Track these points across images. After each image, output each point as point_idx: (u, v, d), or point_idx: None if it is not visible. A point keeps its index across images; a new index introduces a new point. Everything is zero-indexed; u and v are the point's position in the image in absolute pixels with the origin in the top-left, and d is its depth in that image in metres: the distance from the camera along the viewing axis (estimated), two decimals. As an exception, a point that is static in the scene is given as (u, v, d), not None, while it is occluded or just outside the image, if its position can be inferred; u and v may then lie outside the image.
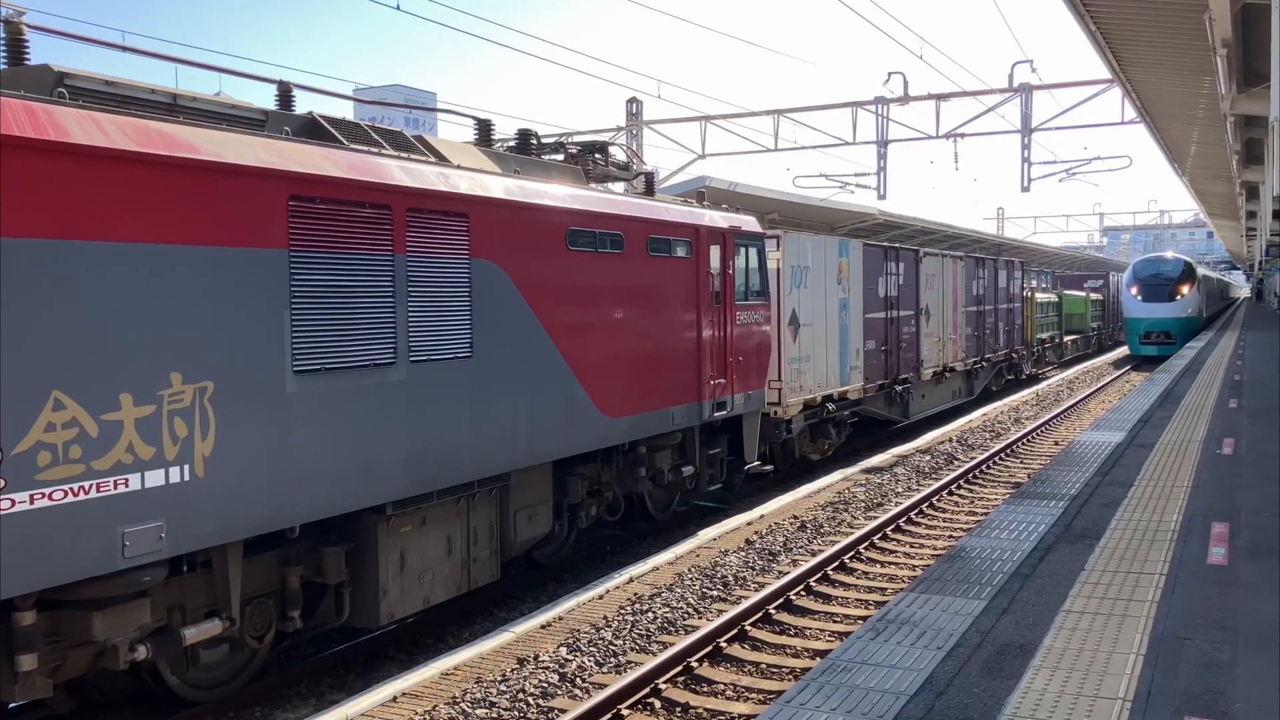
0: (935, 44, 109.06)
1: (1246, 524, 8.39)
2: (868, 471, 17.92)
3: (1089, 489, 9.84)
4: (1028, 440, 21.55)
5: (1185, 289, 40.46)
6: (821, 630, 9.92)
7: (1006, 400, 29.22)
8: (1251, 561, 7.32)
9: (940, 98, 26.70)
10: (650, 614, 10.04)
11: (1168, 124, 21.46)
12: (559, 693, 8.23)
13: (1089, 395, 29.81)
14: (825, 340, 19.15)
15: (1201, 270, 47.61)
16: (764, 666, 8.94)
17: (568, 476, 11.78)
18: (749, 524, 13.94)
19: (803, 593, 10.95)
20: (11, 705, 7.70)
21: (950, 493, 16.20)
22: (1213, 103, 16.94)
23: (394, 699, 8.00)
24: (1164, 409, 16.42)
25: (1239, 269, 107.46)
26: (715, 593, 10.87)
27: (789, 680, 8.62)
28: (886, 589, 11.24)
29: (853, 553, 12.41)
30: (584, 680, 8.49)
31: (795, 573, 11.14)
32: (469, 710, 7.79)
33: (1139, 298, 40.76)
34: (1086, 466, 11.04)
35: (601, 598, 10.56)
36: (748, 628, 9.75)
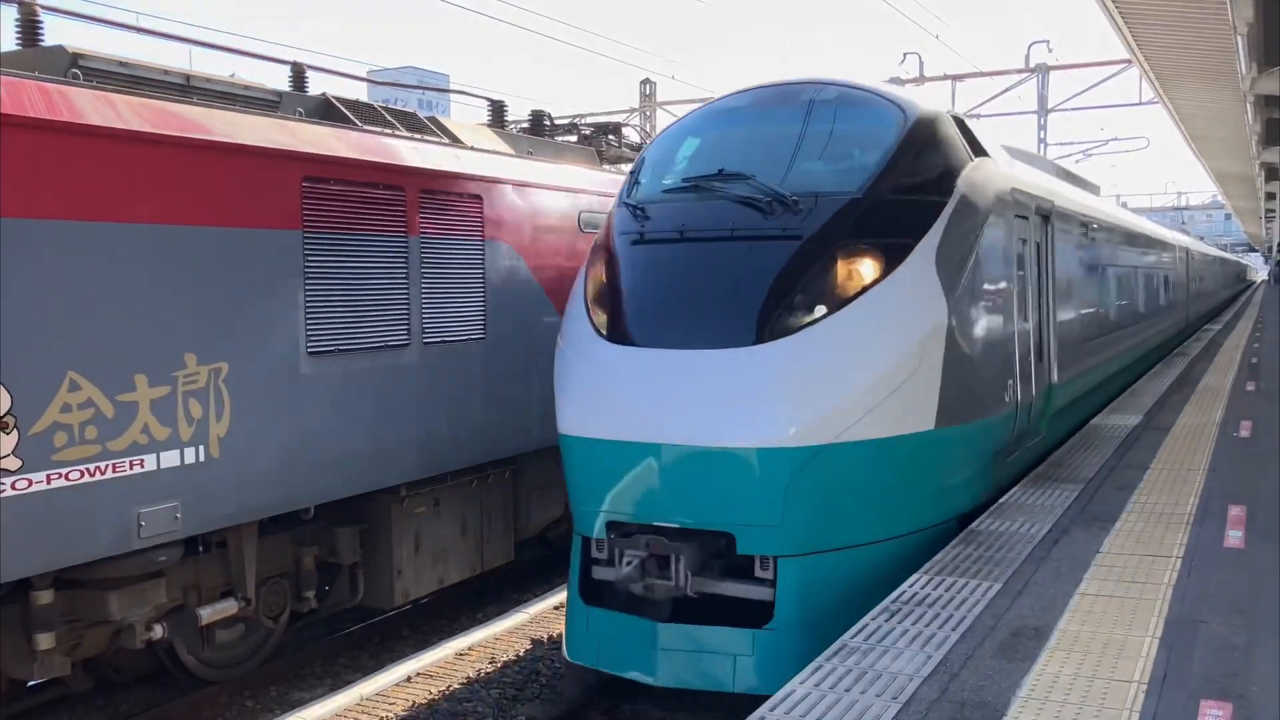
0: (952, 24, 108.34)
1: (1264, 507, 8.33)
2: (881, 454, 17.80)
3: (1105, 472, 9.77)
4: (1042, 423, 21.42)
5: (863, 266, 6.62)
6: (835, 612, 9.89)
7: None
8: (1269, 544, 7.27)
9: (956, 78, 26.51)
10: (663, 595, 10.03)
11: (1185, 104, 21.25)
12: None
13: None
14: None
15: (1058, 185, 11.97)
16: (777, 648, 8.92)
17: (581, 458, 11.75)
18: (762, 506, 13.90)
19: (816, 575, 10.92)
20: (30, 684, 7.77)
21: (964, 475, 16.10)
22: (1232, 82, 16.75)
23: (408, 679, 8.03)
24: (1180, 392, 16.30)
25: (1257, 250, 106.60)
26: (728, 574, 10.84)
27: (802, 662, 8.60)
28: (900, 571, 11.20)
29: (866, 535, 12.36)
30: (597, 661, 8.50)
31: (809, 555, 11.10)
32: (482, 690, 7.81)
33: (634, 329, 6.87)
34: (1102, 449, 10.96)
35: (615, 579, 10.55)
36: (761, 609, 9.72)
